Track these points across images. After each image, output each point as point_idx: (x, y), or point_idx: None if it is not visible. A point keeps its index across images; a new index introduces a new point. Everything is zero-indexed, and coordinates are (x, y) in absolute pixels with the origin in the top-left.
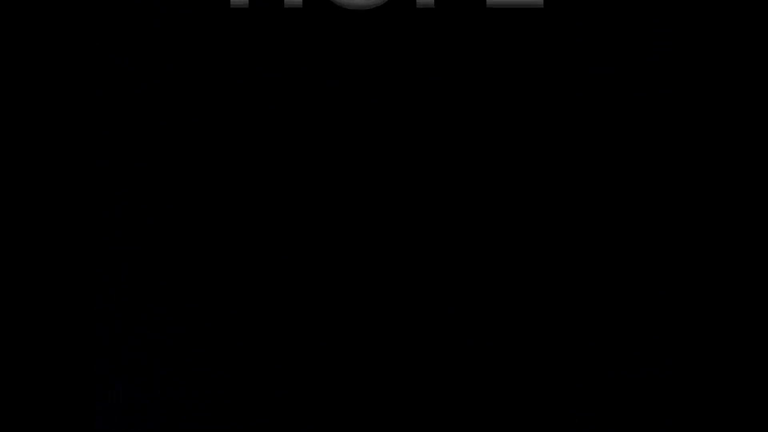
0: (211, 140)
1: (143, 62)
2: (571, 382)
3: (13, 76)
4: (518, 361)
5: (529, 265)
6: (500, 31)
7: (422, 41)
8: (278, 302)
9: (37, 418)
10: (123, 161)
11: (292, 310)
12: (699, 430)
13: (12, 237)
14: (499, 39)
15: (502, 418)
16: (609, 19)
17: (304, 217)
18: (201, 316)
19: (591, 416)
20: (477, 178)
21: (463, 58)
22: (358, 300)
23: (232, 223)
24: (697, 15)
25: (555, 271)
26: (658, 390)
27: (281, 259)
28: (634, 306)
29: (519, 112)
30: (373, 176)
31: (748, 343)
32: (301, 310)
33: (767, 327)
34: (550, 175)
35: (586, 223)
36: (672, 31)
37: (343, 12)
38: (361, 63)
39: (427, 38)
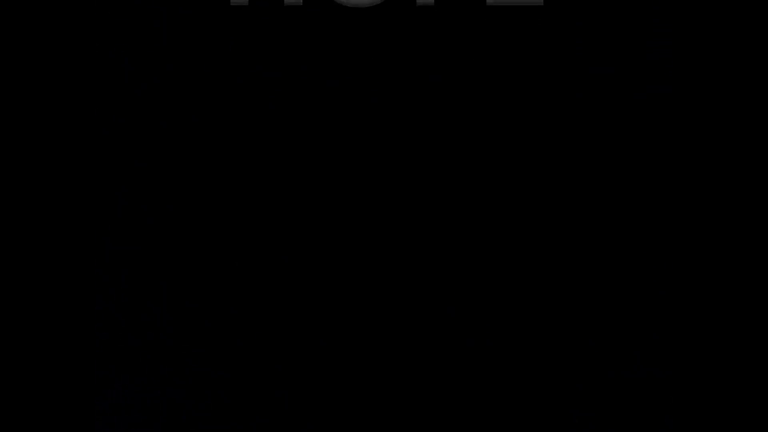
0: (211, 139)
1: (143, 61)
2: (571, 382)
3: (13, 76)
4: (518, 361)
5: (529, 266)
6: (500, 29)
7: (422, 39)
8: (278, 302)
9: (37, 418)
10: (123, 161)
11: (292, 310)
12: (699, 430)
13: (12, 237)
14: (499, 37)
15: (502, 418)
16: (609, 19)
17: (304, 216)
18: (201, 316)
19: (591, 416)
20: (477, 177)
21: (463, 56)
22: (358, 300)
23: (232, 222)
24: (697, 15)
25: (555, 271)
26: (658, 390)
27: (281, 259)
28: (634, 306)
29: (518, 111)
30: (373, 175)
31: (748, 343)
32: (301, 310)
33: (767, 327)
34: (549, 175)
35: (586, 223)
36: (672, 31)
37: (342, 10)
38: (360, 61)
39: (427, 36)
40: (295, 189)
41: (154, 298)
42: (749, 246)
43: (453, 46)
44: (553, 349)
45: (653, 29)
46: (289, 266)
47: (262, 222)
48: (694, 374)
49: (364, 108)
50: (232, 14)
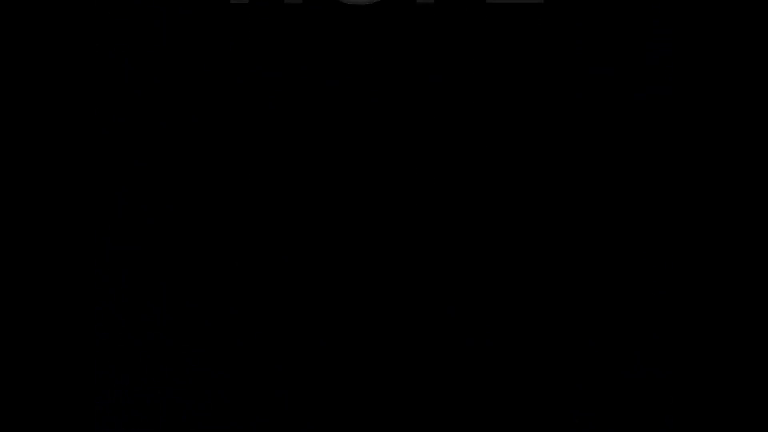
0: (211, 138)
1: (143, 60)
2: (571, 382)
3: (13, 76)
4: (518, 361)
5: (529, 266)
6: (500, 27)
7: (421, 37)
8: (278, 302)
9: (37, 418)
10: (123, 161)
11: (292, 310)
12: (699, 430)
13: (12, 237)
14: (499, 36)
15: (502, 418)
16: (609, 19)
17: (304, 216)
18: (201, 316)
19: (591, 416)
20: (476, 176)
21: (463, 54)
22: (358, 300)
23: (232, 222)
24: (697, 15)
25: (555, 271)
26: (658, 390)
27: (281, 259)
28: (634, 306)
29: (518, 110)
30: (372, 172)
31: (748, 343)
32: (301, 310)
33: (767, 327)
34: (549, 174)
35: (585, 223)
36: (672, 31)
37: (342, 8)
38: (360, 59)
39: (427, 35)
40: (295, 188)
41: (154, 298)
42: (749, 246)
43: (453, 44)
44: (553, 349)
45: (653, 29)
46: (289, 266)
47: (262, 222)
48: (694, 374)
49: (363, 105)
50: (232, 13)
